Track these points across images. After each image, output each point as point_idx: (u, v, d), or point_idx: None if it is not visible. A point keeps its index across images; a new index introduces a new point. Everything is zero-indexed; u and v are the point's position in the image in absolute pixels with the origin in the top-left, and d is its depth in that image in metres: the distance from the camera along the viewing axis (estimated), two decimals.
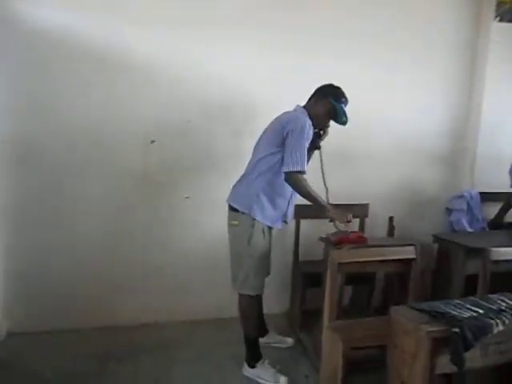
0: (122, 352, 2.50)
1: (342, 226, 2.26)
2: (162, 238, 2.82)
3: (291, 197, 2.28)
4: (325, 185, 2.36)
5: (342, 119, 2.22)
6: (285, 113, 2.26)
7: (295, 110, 2.27)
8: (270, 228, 2.26)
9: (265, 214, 2.19)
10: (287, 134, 2.11)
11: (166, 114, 2.70)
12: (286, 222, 2.35)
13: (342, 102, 2.23)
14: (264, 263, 2.25)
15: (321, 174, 2.36)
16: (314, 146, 2.32)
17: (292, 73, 2.78)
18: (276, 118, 2.26)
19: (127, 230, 2.76)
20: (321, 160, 2.37)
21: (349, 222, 2.18)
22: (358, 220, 3.01)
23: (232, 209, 2.24)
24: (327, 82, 2.28)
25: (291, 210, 2.36)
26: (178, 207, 2.81)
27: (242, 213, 2.19)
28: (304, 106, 2.28)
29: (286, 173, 2.11)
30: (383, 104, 3.03)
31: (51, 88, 2.54)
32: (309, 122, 2.15)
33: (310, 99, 2.30)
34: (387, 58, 2.99)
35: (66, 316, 2.69)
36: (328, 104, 2.22)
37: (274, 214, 2.23)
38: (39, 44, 2.49)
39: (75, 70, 2.56)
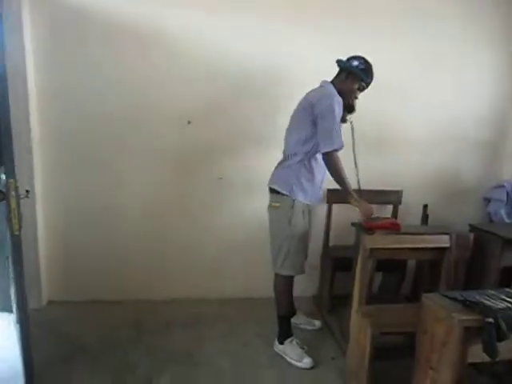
0: (156, 325, 2.60)
1: (362, 220, 2.27)
2: (197, 217, 2.87)
3: (323, 176, 2.31)
4: (355, 164, 2.35)
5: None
6: (312, 90, 2.24)
7: (322, 86, 2.25)
8: (308, 207, 2.28)
9: (305, 194, 2.23)
10: (318, 113, 2.11)
11: (202, 94, 2.72)
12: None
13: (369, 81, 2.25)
14: (304, 243, 2.30)
15: (352, 153, 2.34)
16: (343, 119, 2.27)
17: (333, 52, 2.70)
18: (304, 97, 2.24)
19: (163, 209, 2.83)
20: (352, 138, 2.34)
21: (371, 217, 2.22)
22: (391, 207, 2.97)
23: (273, 191, 2.28)
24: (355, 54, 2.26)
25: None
26: (213, 188, 2.85)
27: (283, 194, 2.22)
28: (332, 81, 2.26)
29: (324, 154, 2.13)
30: (422, 87, 2.93)
31: (89, 67, 2.60)
32: (338, 100, 2.15)
33: (338, 74, 2.28)
34: (433, 41, 2.89)
35: (103, 287, 2.82)
36: (357, 81, 2.23)
37: (313, 192, 2.27)
38: (76, 21, 2.52)
39: (113, 50, 2.59)
